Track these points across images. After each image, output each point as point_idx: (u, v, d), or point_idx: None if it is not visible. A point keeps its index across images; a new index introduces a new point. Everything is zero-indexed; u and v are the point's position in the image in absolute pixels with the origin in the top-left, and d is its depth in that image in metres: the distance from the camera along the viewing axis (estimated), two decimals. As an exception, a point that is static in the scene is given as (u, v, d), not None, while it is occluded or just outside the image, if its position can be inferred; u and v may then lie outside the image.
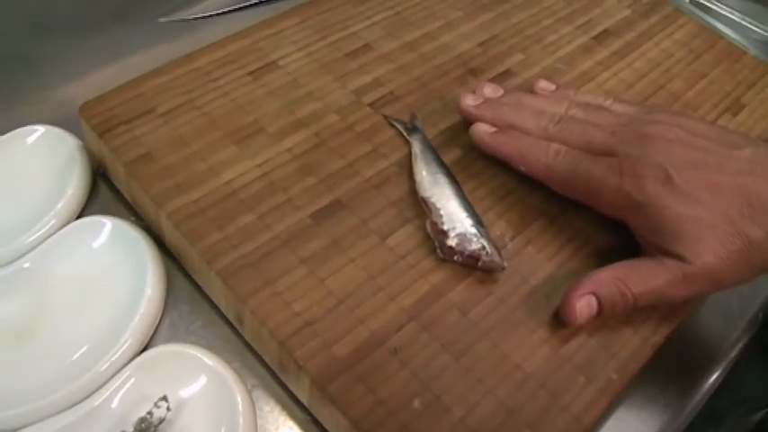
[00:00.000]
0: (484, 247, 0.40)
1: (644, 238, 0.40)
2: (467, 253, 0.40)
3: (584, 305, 0.39)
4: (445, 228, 0.41)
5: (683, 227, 0.37)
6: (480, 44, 0.55)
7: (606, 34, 0.59)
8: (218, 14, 0.59)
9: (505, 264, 0.41)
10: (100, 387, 0.37)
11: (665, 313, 0.42)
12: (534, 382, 0.37)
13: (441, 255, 0.41)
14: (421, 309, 0.39)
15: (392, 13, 0.56)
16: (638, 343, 0.40)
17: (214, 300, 0.41)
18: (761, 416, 0.56)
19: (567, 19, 0.59)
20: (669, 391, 0.43)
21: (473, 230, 0.41)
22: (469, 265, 0.41)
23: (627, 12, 0.62)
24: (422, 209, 0.43)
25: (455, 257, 0.41)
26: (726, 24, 0.70)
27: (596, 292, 0.39)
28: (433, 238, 0.41)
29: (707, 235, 0.37)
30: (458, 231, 0.41)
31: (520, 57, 0.55)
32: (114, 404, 0.36)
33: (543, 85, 0.48)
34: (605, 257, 0.43)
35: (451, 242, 0.40)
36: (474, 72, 0.53)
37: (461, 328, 0.39)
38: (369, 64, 0.51)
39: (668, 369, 0.43)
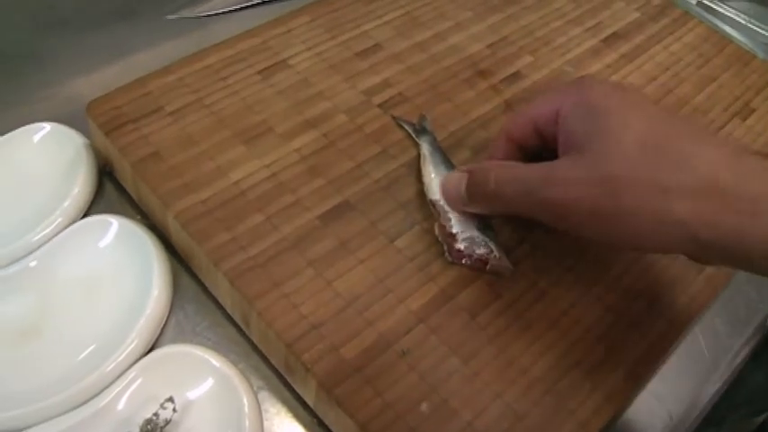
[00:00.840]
0: (492, 251, 0.40)
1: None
2: (475, 256, 0.40)
3: (455, 178, 0.40)
4: (454, 231, 0.41)
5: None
6: (489, 46, 0.55)
7: (615, 37, 0.59)
8: (226, 12, 0.59)
9: (510, 265, 0.41)
10: (106, 388, 0.37)
11: (671, 319, 0.41)
12: (541, 386, 0.37)
13: (449, 258, 0.41)
14: (429, 311, 0.39)
15: (403, 12, 0.55)
16: (644, 349, 0.40)
17: (220, 300, 0.41)
18: (763, 418, 0.56)
19: (576, 21, 0.59)
20: (675, 396, 0.43)
21: (481, 234, 0.41)
22: (478, 269, 0.41)
23: (636, 14, 0.61)
24: (430, 211, 0.42)
25: (463, 261, 0.40)
26: (734, 28, 0.69)
27: (472, 170, 0.40)
28: (442, 241, 0.41)
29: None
30: (466, 235, 0.40)
31: (529, 59, 0.55)
32: (120, 405, 0.36)
33: None
34: (613, 261, 0.43)
35: (460, 245, 0.40)
36: (483, 74, 0.52)
37: (469, 331, 0.39)
38: (379, 64, 0.51)
39: (674, 374, 0.43)
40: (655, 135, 0.34)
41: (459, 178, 0.40)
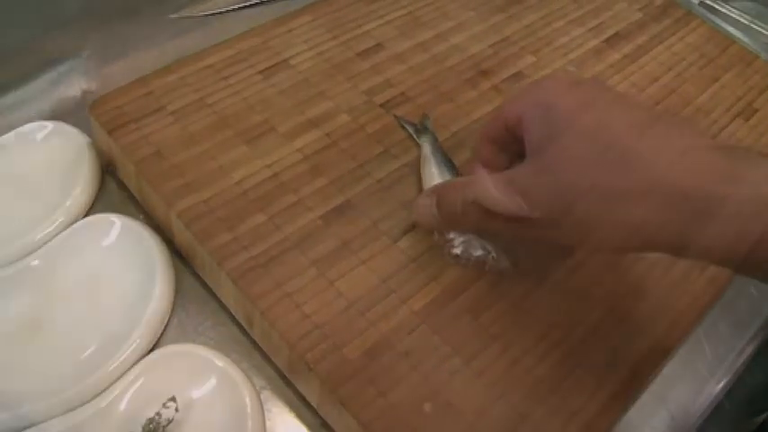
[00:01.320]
0: (489, 252, 0.40)
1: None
2: (473, 260, 0.40)
3: (425, 204, 0.39)
4: (450, 236, 0.40)
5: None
6: (491, 45, 0.55)
7: (617, 37, 0.59)
8: (228, 11, 0.59)
9: (510, 265, 0.40)
10: (108, 387, 0.37)
11: (674, 319, 0.41)
12: (544, 387, 0.37)
13: (450, 261, 0.41)
14: (431, 312, 0.39)
15: (405, 12, 0.55)
16: (648, 349, 0.40)
17: (223, 300, 0.41)
18: (763, 418, 0.56)
19: (579, 21, 0.59)
20: (676, 396, 0.43)
21: (478, 236, 0.40)
22: (478, 269, 0.41)
23: (638, 15, 0.61)
24: None
25: (462, 263, 0.40)
26: (736, 28, 0.69)
27: (438, 193, 0.39)
28: (441, 245, 0.41)
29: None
30: (462, 239, 0.40)
31: (531, 59, 0.54)
32: (122, 404, 0.36)
33: None
34: (617, 261, 0.43)
35: (457, 250, 0.40)
36: (485, 74, 0.52)
37: (472, 331, 0.38)
38: (380, 64, 0.51)
39: (676, 375, 0.43)
40: (608, 134, 0.33)
41: (429, 201, 0.39)
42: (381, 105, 0.48)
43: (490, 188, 0.35)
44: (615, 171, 0.32)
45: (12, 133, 0.46)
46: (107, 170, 0.46)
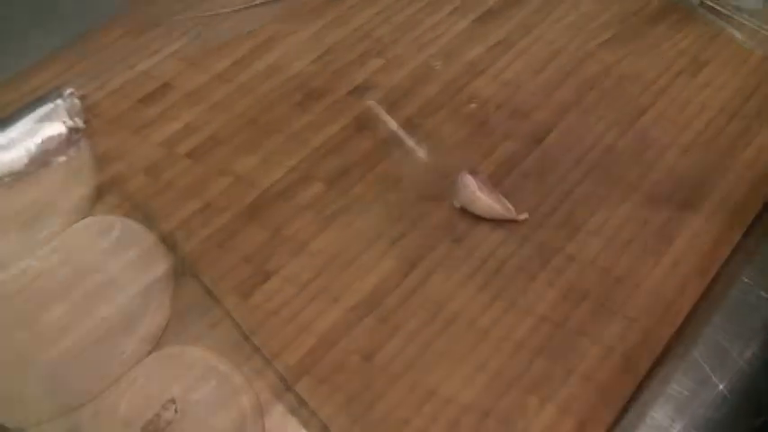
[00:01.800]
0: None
1: None
2: None
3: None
4: None
5: None
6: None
7: (615, 39, 0.58)
8: (228, 12, 0.59)
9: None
10: (107, 389, 0.37)
11: (667, 307, 0.42)
12: (541, 381, 0.37)
13: None
14: (431, 315, 0.39)
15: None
16: (642, 338, 0.40)
17: (223, 304, 0.41)
18: (764, 419, 0.56)
19: (577, 23, 0.59)
20: (677, 397, 0.43)
21: None
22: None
23: (637, 16, 0.61)
24: (428, 213, 0.42)
25: None
26: (736, 28, 0.69)
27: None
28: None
29: None
30: None
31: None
32: (122, 406, 0.36)
33: None
34: (607, 252, 0.43)
35: None
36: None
37: (468, 330, 0.39)
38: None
39: (676, 375, 0.43)
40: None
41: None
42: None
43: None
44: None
45: (11, 134, 0.46)
46: (107, 173, 0.46)
